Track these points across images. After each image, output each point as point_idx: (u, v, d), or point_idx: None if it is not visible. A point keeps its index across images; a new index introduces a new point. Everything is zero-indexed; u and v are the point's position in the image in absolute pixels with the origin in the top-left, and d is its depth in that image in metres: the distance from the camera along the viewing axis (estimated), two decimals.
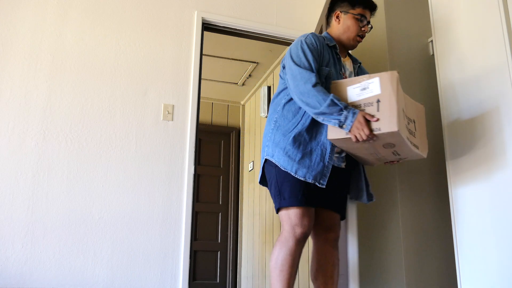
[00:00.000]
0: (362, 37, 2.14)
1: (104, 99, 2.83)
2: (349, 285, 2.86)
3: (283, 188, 1.91)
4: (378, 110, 1.78)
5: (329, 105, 1.80)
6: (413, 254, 2.50)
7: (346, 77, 2.09)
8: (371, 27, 2.15)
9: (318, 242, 2.07)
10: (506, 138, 1.90)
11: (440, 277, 2.53)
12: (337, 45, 2.10)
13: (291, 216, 1.89)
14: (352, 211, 3.03)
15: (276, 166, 1.93)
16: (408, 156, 1.98)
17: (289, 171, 1.89)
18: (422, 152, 1.94)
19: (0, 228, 2.47)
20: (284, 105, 2.01)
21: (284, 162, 1.90)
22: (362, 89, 1.85)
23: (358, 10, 2.10)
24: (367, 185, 2.15)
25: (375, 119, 1.77)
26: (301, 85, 1.88)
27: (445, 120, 2.23)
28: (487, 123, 1.99)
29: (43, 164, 2.62)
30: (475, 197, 2.02)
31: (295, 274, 1.88)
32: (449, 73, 2.22)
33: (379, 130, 1.76)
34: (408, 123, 1.86)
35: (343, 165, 2.04)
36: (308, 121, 1.94)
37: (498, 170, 1.91)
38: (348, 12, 2.10)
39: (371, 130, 1.75)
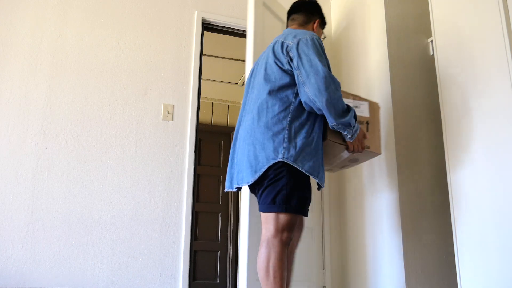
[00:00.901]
0: None
1: (104, 99, 2.83)
2: (343, 278, 2.85)
3: (292, 194, 1.83)
4: (367, 130, 2.03)
5: (352, 116, 1.89)
6: (413, 244, 2.51)
7: None
8: None
9: (292, 241, 2.05)
10: (505, 136, 1.90)
11: (440, 266, 2.53)
12: None
13: (281, 220, 1.82)
14: (348, 199, 3.03)
15: (291, 170, 1.82)
16: (346, 167, 2.26)
17: (314, 177, 1.84)
18: (376, 150, 2.08)
19: (0, 228, 2.47)
20: (298, 105, 1.90)
21: (310, 168, 1.83)
22: (354, 106, 2.03)
23: (323, 28, 2.32)
24: None
25: (368, 137, 1.99)
26: (333, 89, 1.81)
27: (445, 120, 2.23)
28: (486, 122, 1.99)
29: (43, 164, 2.62)
30: (474, 187, 2.02)
31: (286, 275, 1.85)
32: (449, 73, 2.22)
33: (368, 148, 2.01)
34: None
35: None
36: (321, 125, 1.92)
37: (494, 168, 1.91)
38: (320, 26, 2.27)
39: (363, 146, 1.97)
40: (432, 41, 2.69)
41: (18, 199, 2.54)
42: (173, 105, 2.96)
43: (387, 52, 2.80)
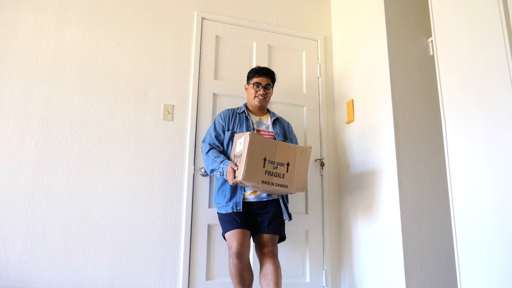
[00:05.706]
0: (260, 96, 2.67)
1: (104, 99, 2.83)
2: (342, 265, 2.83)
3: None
4: (239, 162, 2.31)
5: (212, 163, 2.50)
6: (413, 243, 2.51)
7: (262, 131, 2.65)
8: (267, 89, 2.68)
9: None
10: (505, 136, 1.90)
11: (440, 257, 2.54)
12: (246, 110, 2.69)
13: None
14: (348, 199, 3.02)
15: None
16: (279, 192, 2.45)
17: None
18: (293, 189, 2.36)
19: (0, 228, 2.47)
20: None
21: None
22: (240, 144, 2.38)
23: (254, 80, 2.69)
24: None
25: (236, 167, 2.33)
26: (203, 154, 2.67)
27: (445, 120, 2.23)
28: (487, 122, 1.99)
29: (43, 164, 2.62)
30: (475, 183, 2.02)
31: (244, 279, 2.39)
32: (449, 73, 2.22)
33: (237, 177, 2.29)
34: (275, 167, 2.32)
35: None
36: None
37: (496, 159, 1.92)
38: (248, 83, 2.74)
39: (234, 177, 2.31)
40: (432, 41, 2.69)
41: (18, 199, 2.54)
42: (173, 105, 2.96)
43: (387, 52, 2.80)
